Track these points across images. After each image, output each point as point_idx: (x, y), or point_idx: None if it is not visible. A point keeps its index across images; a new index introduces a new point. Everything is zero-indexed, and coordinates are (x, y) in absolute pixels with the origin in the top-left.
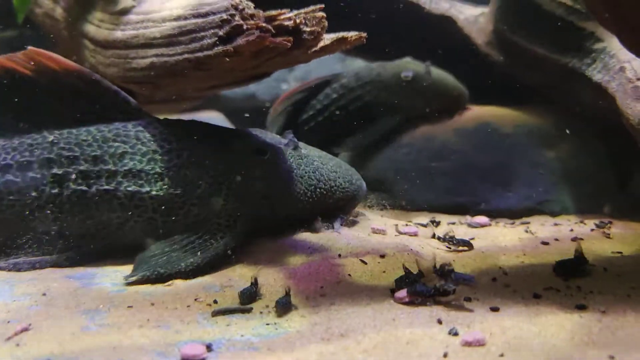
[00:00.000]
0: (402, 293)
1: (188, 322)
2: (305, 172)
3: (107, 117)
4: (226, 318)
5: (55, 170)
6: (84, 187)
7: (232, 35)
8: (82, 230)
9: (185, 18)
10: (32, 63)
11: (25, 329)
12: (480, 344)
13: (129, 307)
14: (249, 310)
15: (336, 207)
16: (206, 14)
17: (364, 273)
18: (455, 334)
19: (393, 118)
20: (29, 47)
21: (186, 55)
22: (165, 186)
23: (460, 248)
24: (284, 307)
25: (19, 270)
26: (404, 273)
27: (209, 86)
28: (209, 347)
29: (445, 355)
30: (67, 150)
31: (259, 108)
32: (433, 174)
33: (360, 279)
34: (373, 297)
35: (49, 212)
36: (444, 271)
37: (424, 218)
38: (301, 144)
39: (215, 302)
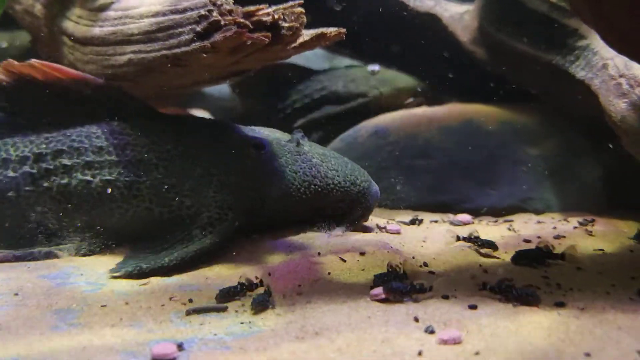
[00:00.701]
0: (378, 290)
1: (161, 321)
2: (301, 168)
3: (116, 116)
4: (200, 317)
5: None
6: (89, 178)
7: (209, 31)
8: (85, 222)
9: (164, 14)
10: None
11: None
12: (456, 342)
13: (102, 306)
14: (224, 309)
15: (336, 208)
16: (184, 10)
17: (343, 271)
18: (432, 332)
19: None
20: (32, 60)
21: (164, 52)
22: (160, 176)
23: (484, 250)
24: (260, 304)
25: (22, 260)
26: (381, 272)
27: (188, 83)
28: (180, 346)
29: (420, 353)
30: (77, 142)
31: (247, 109)
32: (416, 172)
33: (338, 277)
34: (350, 295)
35: (59, 202)
36: (502, 287)
37: (407, 216)
38: (306, 142)
39: (190, 301)
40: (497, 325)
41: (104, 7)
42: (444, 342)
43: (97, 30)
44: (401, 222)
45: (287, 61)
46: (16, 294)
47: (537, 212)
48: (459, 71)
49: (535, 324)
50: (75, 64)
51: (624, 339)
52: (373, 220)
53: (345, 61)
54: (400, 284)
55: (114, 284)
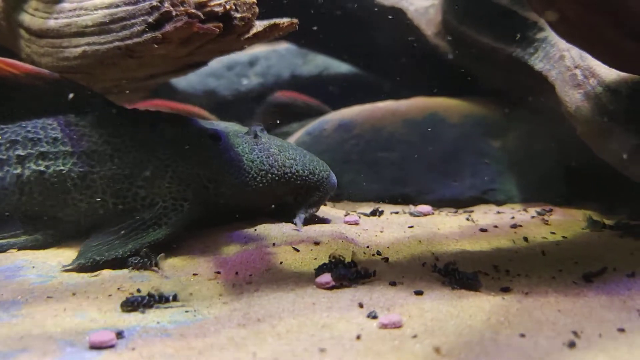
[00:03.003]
0: (323, 278)
1: (106, 311)
2: (257, 157)
3: (73, 110)
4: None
5: (18, 152)
6: (42, 168)
7: (161, 22)
8: (42, 212)
9: (117, 6)
10: None
11: None
12: (396, 326)
13: (48, 297)
14: (167, 300)
15: (295, 196)
16: (137, 1)
17: (295, 260)
18: (374, 317)
19: None
20: None
21: (117, 43)
22: (114, 167)
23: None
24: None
25: None
26: (329, 260)
27: (144, 76)
28: (119, 334)
29: (358, 337)
30: (32, 133)
31: (219, 104)
32: (380, 164)
33: (290, 266)
34: (298, 283)
35: (12, 192)
36: (448, 270)
37: (369, 208)
38: (265, 135)
39: (138, 290)
40: (440, 309)
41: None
42: (384, 326)
43: (52, 23)
44: (362, 213)
45: None
46: None
47: (499, 203)
48: (423, 65)
49: (477, 308)
50: (31, 57)
51: (561, 320)
52: (332, 212)
53: (319, 59)
54: (346, 269)
55: (64, 276)
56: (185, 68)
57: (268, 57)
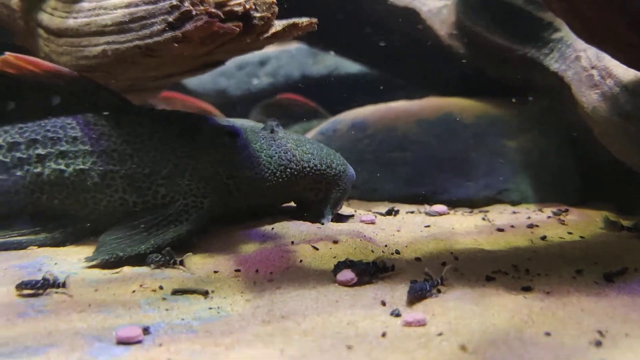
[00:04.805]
0: (345, 275)
1: (130, 307)
2: (276, 153)
3: (93, 108)
4: (169, 303)
5: (38, 151)
6: (62, 167)
7: (181, 21)
8: (62, 210)
9: (136, 5)
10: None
11: None
12: (420, 324)
13: (71, 293)
14: (205, 293)
15: (312, 190)
16: (156, 1)
17: (315, 258)
18: (398, 315)
19: None
20: (7, 53)
21: (136, 42)
22: (134, 166)
23: None
24: None
25: (6, 249)
26: (347, 258)
27: (162, 75)
28: (145, 330)
29: (383, 334)
30: (52, 132)
31: (230, 103)
32: (394, 164)
33: (310, 264)
34: (320, 281)
35: (32, 191)
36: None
37: (384, 207)
38: (281, 130)
39: (160, 287)
40: (463, 308)
41: None
42: (408, 324)
43: (71, 22)
44: (377, 213)
45: None
46: None
47: (514, 203)
48: (436, 65)
49: (500, 307)
50: (50, 56)
51: (586, 319)
52: (347, 211)
53: (330, 57)
54: (365, 264)
55: (86, 272)
56: (203, 67)
57: (279, 57)
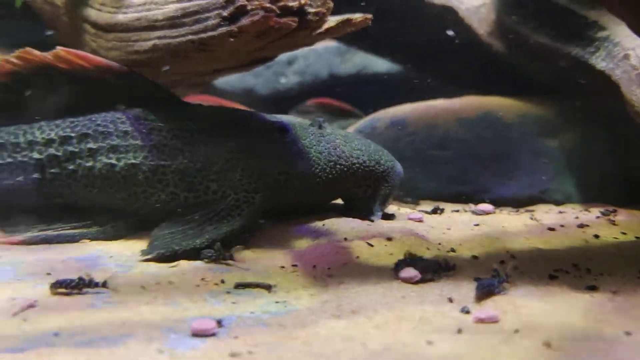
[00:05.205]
0: (408, 272)
1: (196, 300)
2: (325, 149)
3: (140, 103)
4: (234, 297)
5: (90, 145)
6: (113, 161)
7: (236, 16)
8: (113, 204)
9: (188, 0)
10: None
11: (32, 306)
12: (493, 320)
13: (133, 286)
14: (269, 287)
15: (360, 187)
16: None
17: (371, 255)
18: (467, 312)
19: None
20: (58, 47)
21: (190, 37)
22: (186, 161)
23: None
24: None
25: (59, 242)
26: (405, 254)
27: (210, 70)
28: (219, 323)
29: (459, 331)
30: (102, 126)
31: (257, 102)
32: (436, 163)
33: (367, 261)
34: (381, 277)
35: (84, 185)
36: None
37: (427, 206)
38: (328, 126)
39: (222, 281)
40: (532, 306)
41: None
42: (481, 320)
43: (120, 17)
44: (422, 211)
45: None
46: (48, 274)
47: (557, 203)
48: (475, 64)
49: (570, 305)
50: (98, 51)
51: None
52: (392, 209)
53: (359, 55)
54: (430, 262)
55: (142, 266)
56: (252, 63)
57: (306, 56)
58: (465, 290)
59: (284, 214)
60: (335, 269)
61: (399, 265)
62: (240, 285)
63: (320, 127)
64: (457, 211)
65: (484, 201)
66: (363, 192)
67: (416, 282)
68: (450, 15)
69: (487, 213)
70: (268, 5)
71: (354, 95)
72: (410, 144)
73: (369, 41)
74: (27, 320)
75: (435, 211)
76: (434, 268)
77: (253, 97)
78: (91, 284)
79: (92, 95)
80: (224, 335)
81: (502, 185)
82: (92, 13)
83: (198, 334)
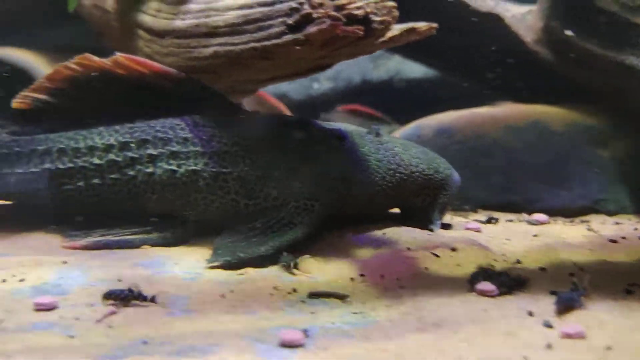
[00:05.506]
0: (485, 285)
1: (273, 309)
2: (384, 157)
3: (198, 110)
4: (310, 307)
5: (150, 151)
6: (173, 167)
7: (301, 24)
8: (173, 210)
9: (250, 7)
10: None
11: (113, 312)
12: (580, 336)
13: (207, 294)
14: (343, 298)
15: (419, 196)
16: (272, 3)
17: (440, 266)
18: (550, 327)
19: None
20: (117, 54)
21: (252, 44)
22: (247, 168)
23: None
24: None
25: (120, 247)
26: (478, 266)
27: (268, 77)
28: (305, 333)
29: (548, 346)
30: (162, 132)
31: (291, 107)
32: (485, 171)
33: (436, 272)
34: (455, 289)
35: (143, 190)
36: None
37: (479, 215)
38: (384, 134)
39: (295, 290)
40: (616, 321)
41: (184, 0)
42: (568, 335)
43: (178, 23)
44: (477, 220)
45: None
46: (119, 280)
47: (610, 213)
48: (521, 71)
49: None
50: (152, 57)
51: None
52: (447, 217)
53: (393, 61)
54: (506, 277)
55: (210, 273)
56: (309, 71)
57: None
58: (543, 303)
59: (342, 223)
60: (405, 280)
61: (475, 277)
62: (314, 295)
63: (377, 134)
64: (511, 221)
65: (536, 211)
66: (422, 201)
67: (494, 296)
68: (496, 23)
69: (542, 223)
70: (334, 13)
71: (386, 101)
72: (458, 152)
73: (409, 46)
74: (112, 327)
75: (489, 221)
76: (509, 282)
77: (286, 102)
78: (139, 297)
79: (149, 101)
80: (311, 347)
81: (554, 195)
82: (147, 19)
83: (287, 345)
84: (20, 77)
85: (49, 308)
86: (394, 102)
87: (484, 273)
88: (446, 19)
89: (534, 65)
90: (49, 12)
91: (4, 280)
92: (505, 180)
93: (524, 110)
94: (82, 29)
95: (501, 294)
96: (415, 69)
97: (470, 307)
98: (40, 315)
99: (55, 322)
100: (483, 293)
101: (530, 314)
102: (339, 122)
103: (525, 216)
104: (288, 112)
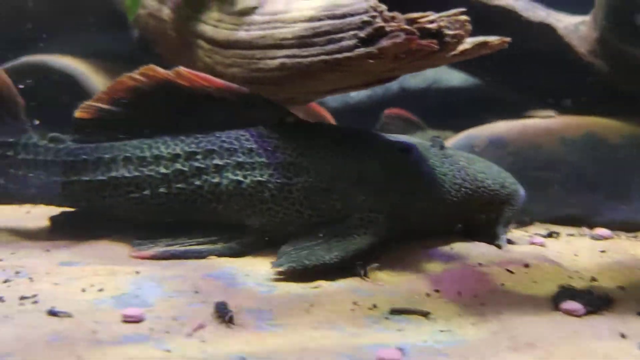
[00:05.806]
0: (571, 305)
1: (359, 325)
2: (450, 170)
3: (263, 122)
4: (396, 323)
5: (216, 161)
6: (239, 178)
7: (373, 37)
8: (238, 221)
9: (319, 19)
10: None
11: (202, 326)
12: None
13: (289, 308)
14: (426, 314)
15: (484, 211)
16: (343, 16)
17: (516, 283)
18: None
19: None
20: (180, 67)
21: (322, 57)
22: (311, 179)
23: None
24: None
25: (186, 257)
26: (557, 283)
27: (332, 89)
28: (402, 352)
29: None
30: (227, 143)
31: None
32: (542, 184)
33: (514, 289)
34: (539, 308)
35: (209, 200)
36: None
37: (538, 229)
38: (448, 146)
39: (375, 306)
40: None
41: (247, 12)
42: None
43: (242, 34)
44: (538, 234)
45: None
46: (196, 292)
47: None
48: (575, 83)
49: None
50: (214, 67)
51: None
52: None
53: (428, 70)
54: (592, 296)
55: (283, 286)
56: (376, 82)
57: None
58: (634, 324)
59: (409, 237)
60: (484, 297)
61: (560, 296)
62: (397, 312)
63: (441, 147)
64: (573, 235)
65: (595, 225)
66: (487, 217)
67: (579, 315)
68: (549, 33)
69: (606, 238)
70: (407, 27)
71: (424, 110)
72: (514, 164)
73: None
74: (205, 341)
75: (550, 235)
76: (596, 301)
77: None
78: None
79: (212, 113)
80: None
81: (613, 209)
82: (207, 29)
83: None
84: (66, 84)
85: (137, 320)
86: (432, 110)
87: (567, 292)
88: (498, 30)
89: (588, 75)
90: (86, 17)
91: (83, 290)
92: (563, 193)
93: (579, 122)
94: (121, 36)
95: (587, 313)
96: (455, 77)
97: (559, 327)
98: (130, 327)
99: (147, 334)
100: (569, 312)
101: (623, 335)
102: (386, 127)
103: (586, 230)
104: (333, 122)
